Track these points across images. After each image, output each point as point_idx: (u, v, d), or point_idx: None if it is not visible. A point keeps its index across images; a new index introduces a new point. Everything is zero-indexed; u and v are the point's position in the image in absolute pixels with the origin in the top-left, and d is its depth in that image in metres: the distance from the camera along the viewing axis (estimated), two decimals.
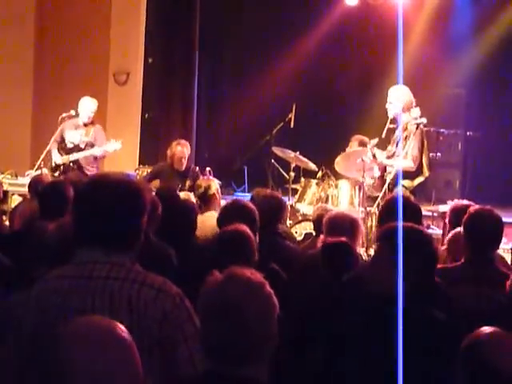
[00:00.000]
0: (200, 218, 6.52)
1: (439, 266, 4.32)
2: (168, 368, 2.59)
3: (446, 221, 5.84)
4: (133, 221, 2.69)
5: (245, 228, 4.16)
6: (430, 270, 3.31)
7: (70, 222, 3.65)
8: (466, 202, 5.82)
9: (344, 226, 5.12)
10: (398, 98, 8.11)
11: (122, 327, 1.86)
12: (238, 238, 4.06)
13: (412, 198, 7.62)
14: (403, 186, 7.97)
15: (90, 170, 9.37)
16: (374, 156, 8.22)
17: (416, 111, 8.07)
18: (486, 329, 2.45)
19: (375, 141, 8.21)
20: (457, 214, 5.13)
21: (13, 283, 3.65)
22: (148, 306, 2.58)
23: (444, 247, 5.21)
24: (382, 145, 8.43)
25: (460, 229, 5.13)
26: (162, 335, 2.58)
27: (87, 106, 9.67)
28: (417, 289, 3.17)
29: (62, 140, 9.61)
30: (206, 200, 6.90)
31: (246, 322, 2.22)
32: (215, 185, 7.05)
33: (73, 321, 1.87)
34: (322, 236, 5.41)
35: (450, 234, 5.11)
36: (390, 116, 8.23)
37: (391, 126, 8.31)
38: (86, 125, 9.67)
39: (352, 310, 3.42)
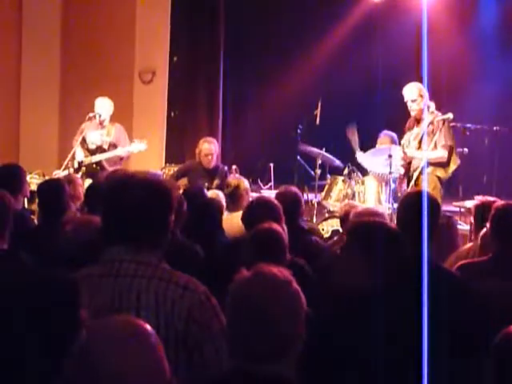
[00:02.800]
0: (228, 217, 6.54)
1: (466, 261, 4.33)
2: (194, 366, 2.60)
3: (471, 217, 5.81)
4: (160, 219, 2.70)
5: (277, 227, 4.15)
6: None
7: (87, 223, 3.70)
8: (490, 197, 5.79)
9: None
10: (418, 94, 8.15)
11: (149, 327, 1.87)
12: (271, 237, 4.05)
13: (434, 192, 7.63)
14: (437, 176, 7.97)
15: None
16: (404, 153, 8.24)
17: (432, 105, 8.12)
18: None
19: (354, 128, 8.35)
20: (481, 210, 5.12)
21: None
22: (174, 304, 2.59)
23: (469, 244, 5.19)
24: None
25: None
26: (188, 333, 2.59)
27: (104, 105, 9.62)
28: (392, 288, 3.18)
29: (84, 140, 9.54)
30: (234, 198, 6.89)
31: (273, 319, 2.22)
32: (245, 184, 7.03)
33: (101, 321, 1.88)
34: None
35: (484, 230, 5.08)
36: (413, 113, 8.26)
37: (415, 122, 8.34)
38: (102, 124, 9.58)
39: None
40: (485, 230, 4.97)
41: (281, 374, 2.24)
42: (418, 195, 3.91)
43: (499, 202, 4.58)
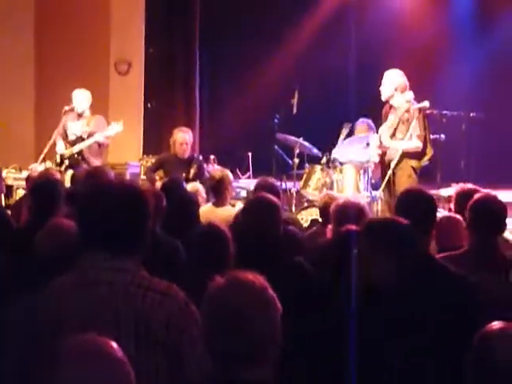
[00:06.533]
0: (212, 210, 6.51)
1: (444, 254, 4.35)
2: (174, 372, 2.59)
3: (451, 205, 5.83)
4: (136, 226, 2.67)
5: (217, 227, 4.10)
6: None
7: (63, 227, 3.66)
8: (470, 185, 5.81)
9: (352, 214, 5.08)
10: (391, 81, 8.26)
11: (114, 344, 1.86)
12: (213, 237, 4.01)
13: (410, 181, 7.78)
14: (412, 166, 8.10)
15: (95, 163, 9.17)
16: (380, 142, 8.35)
17: (409, 94, 8.22)
18: (497, 323, 2.42)
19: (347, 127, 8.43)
20: (462, 198, 5.14)
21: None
22: (153, 310, 2.57)
23: None
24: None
25: (447, 214, 5.18)
26: (168, 340, 2.58)
27: (80, 98, 9.59)
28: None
29: (65, 132, 9.54)
30: (219, 192, 6.79)
31: (249, 326, 2.21)
32: (229, 176, 6.94)
33: (67, 342, 1.87)
34: (329, 226, 5.36)
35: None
36: (383, 98, 8.37)
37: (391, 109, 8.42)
38: (82, 115, 9.55)
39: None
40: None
41: (259, 379, 2.24)
42: (408, 194, 4.02)
43: (479, 193, 4.59)
